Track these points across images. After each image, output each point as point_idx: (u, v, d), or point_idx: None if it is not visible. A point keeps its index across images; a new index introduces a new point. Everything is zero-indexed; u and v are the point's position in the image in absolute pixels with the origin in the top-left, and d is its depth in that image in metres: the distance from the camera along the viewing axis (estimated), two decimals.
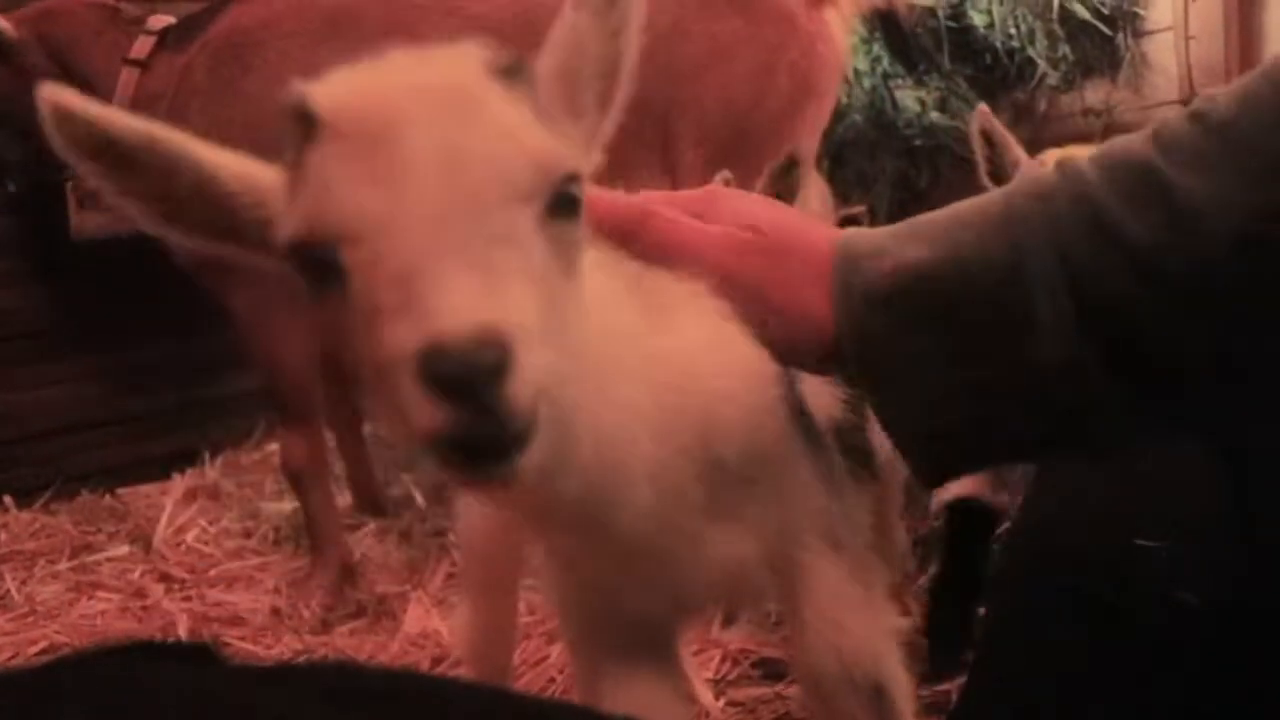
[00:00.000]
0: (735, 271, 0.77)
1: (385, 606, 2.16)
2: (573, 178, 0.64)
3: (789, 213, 0.85)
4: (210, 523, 2.60)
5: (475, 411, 0.54)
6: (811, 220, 0.91)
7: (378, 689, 0.51)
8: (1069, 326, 0.70)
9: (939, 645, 1.63)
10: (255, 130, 2.14)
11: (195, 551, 2.45)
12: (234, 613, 2.15)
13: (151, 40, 2.26)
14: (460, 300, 0.55)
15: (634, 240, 0.79)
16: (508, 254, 0.59)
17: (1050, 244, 0.72)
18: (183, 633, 2.01)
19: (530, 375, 0.56)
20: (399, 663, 1.92)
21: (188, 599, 2.21)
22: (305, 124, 0.61)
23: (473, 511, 1.31)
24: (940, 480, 0.81)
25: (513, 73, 0.65)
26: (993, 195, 0.77)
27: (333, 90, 0.63)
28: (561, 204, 0.63)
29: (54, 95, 0.66)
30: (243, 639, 2.03)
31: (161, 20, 2.32)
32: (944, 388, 0.74)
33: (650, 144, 2.12)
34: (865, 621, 0.91)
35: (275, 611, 2.16)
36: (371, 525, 2.54)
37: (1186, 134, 0.72)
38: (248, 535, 2.54)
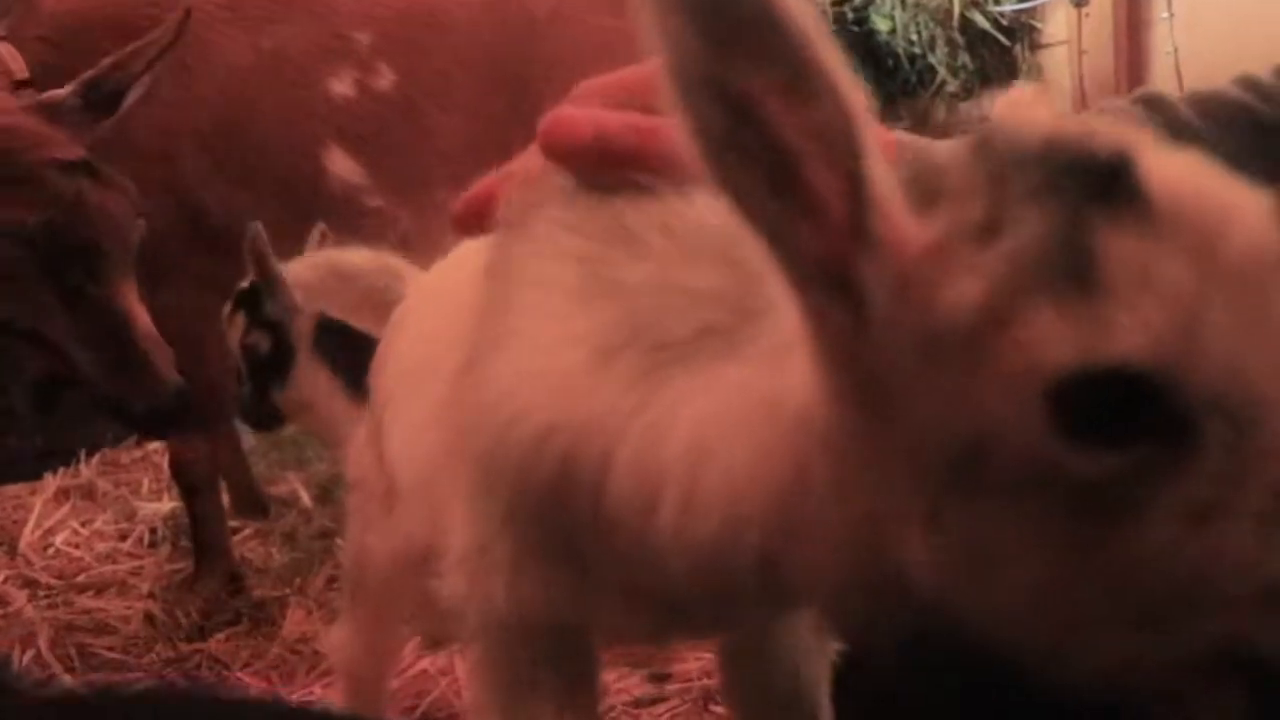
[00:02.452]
0: None
1: (264, 611, 2.08)
2: None
3: None
4: (83, 524, 2.48)
5: None
6: None
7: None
8: None
9: None
10: (199, 135, 2.06)
11: (64, 555, 2.34)
12: (103, 620, 2.05)
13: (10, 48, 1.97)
14: None
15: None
16: None
17: None
18: (43, 643, 1.91)
19: None
20: (276, 670, 1.86)
21: (53, 607, 2.10)
22: (1109, 193, 0.44)
23: (373, 535, 1.25)
24: None
25: None
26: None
27: (1170, 173, 0.46)
28: None
29: None
30: (111, 649, 1.94)
31: None
32: None
33: (522, 127, 2.12)
34: (819, 643, 0.89)
35: (149, 618, 2.07)
36: (252, 527, 2.46)
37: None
38: (122, 537, 2.43)
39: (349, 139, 2.12)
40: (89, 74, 1.80)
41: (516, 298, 0.76)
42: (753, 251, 0.50)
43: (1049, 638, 0.48)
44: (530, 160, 0.79)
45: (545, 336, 0.70)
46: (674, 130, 0.48)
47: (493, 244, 0.87)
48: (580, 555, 0.70)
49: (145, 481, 2.70)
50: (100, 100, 1.81)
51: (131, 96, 1.84)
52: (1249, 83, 0.80)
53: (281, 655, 1.90)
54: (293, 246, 2.12)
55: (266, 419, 1.88)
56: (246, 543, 2.40)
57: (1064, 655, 0.48)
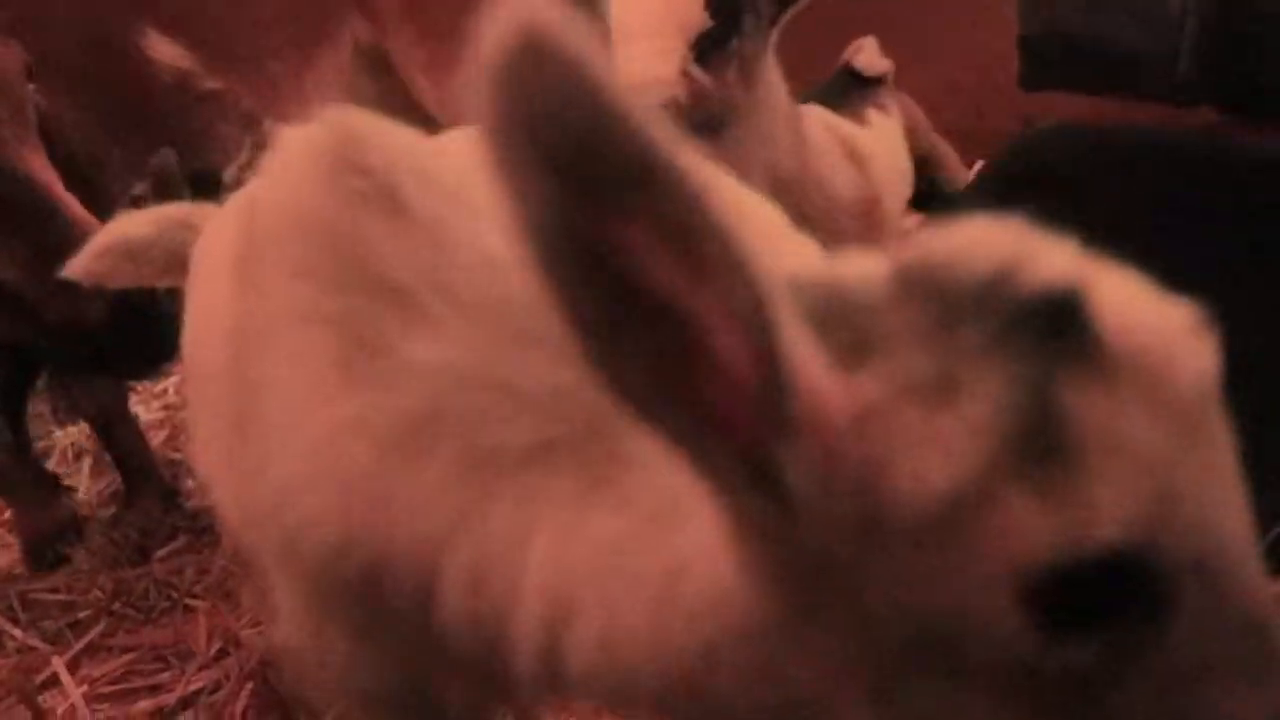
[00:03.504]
0: None
1: (201, 521, 2.08)
2: None
3: None
4: None
5: None
6: None
7: None
8: None
9: None
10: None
11: None
12: None
13: None
14: None
15: None
16: None
17: None
18: None
19: None
20: (224, 586, 1.87)
21: None
22: (1065, 338, 0.40)
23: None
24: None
25: None
26: None
27: (1117, 305, 0.42)
28: None
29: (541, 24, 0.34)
30: (55, 590, 1.92)
31: None
32: None
33: None
34: None
35: (90, 550, 2.05)
36: (169, 425, 2.41)
37: None
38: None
39: (164, 19, 1.90)
40: None
41: (269, 349, 0.67)
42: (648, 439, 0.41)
43: None
44: None
45: (311, 412, 0.63)
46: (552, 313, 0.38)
47: (240, 246, 0.76)
48: (404, 639, 0.66)
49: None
50: None
51: None
52: None
53: (227, 569, 1.91)
54: (138, 153, 1.94)
55: None
56: (170, 443, 2.37)
57: None
